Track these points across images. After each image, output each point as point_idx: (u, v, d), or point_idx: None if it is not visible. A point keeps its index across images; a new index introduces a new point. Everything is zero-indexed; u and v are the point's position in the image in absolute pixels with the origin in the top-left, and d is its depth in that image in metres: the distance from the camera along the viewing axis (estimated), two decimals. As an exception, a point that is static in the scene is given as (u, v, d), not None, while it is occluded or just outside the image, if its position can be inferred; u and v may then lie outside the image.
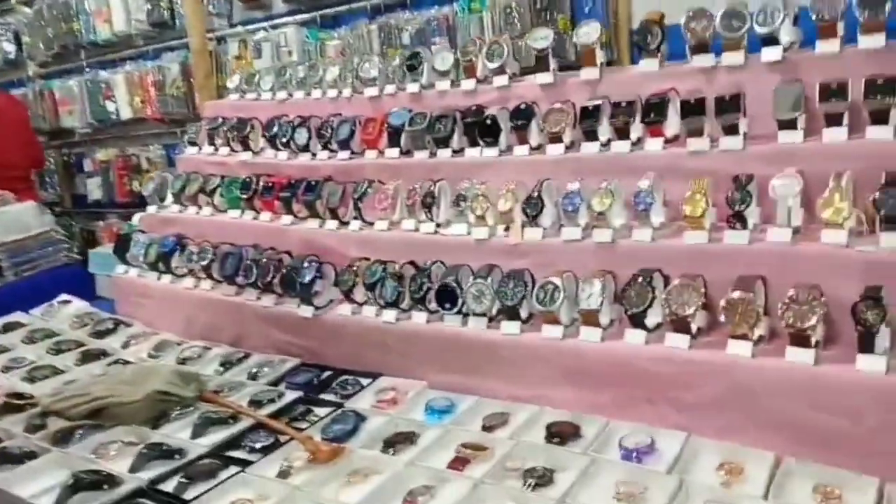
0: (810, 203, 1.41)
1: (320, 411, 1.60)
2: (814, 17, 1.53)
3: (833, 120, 1.44)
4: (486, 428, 1.45)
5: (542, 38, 1.89)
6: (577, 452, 1.30)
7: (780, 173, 1.42)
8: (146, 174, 4.50)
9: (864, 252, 1.31)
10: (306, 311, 1.89)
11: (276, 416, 1.60)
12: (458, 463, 1.31)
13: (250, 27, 3.83)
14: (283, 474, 1.35)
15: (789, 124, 1.49)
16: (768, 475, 1.18)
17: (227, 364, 1.94)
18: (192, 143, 2.60)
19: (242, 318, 2.07)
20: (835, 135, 1.44)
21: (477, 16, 3.12)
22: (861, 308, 1.23)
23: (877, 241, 1.30)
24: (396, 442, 1.41)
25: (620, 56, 2.82)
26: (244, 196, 2.23)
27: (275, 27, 3.72)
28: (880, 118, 1.40)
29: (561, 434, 1.36)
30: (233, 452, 1.47)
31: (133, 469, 1.40)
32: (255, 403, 1.67)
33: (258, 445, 1.46)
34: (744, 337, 1.33)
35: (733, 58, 1.63)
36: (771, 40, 1.58)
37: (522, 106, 1.86)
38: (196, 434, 1.53)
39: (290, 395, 1.70)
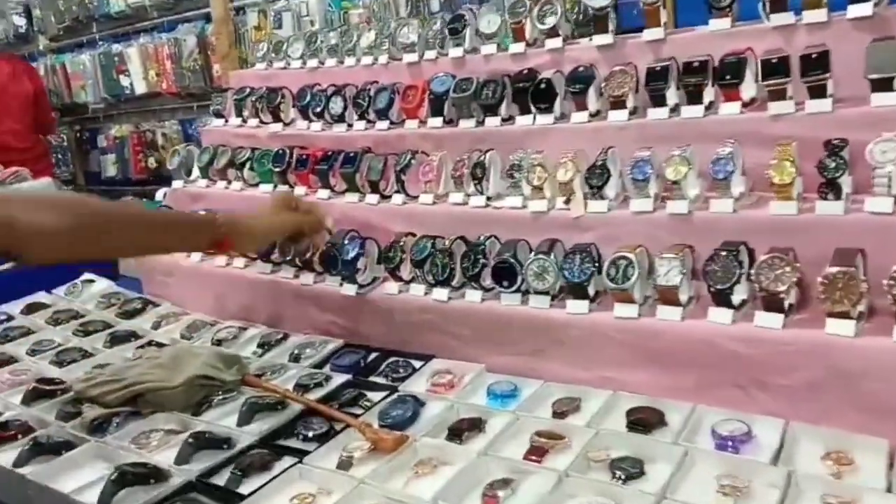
0: (911, 169, 1.29)
1: (373, 396, 1.50)
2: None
3: (936, 78, 1.32)
4: (558, 414, 1.35)
5: (600, -5, 1.76)
6: (666, 442, 1.20)
7: (878, 137, 1.30)
8: (164, 150, 4.40)
9: (980, 222, 1.19)
10: (350, 290, 1.79)
11: (325, 400, 1.50)
12: (536, 453, 1.21)
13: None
14: (344, 465, 1.25)
15: (884, 85, 1.36)
16: (885, 465, 1.08)
17: (265, 345, 1.83)
18: (218, 115, 2.48)
19: (279, 296, 1.96)
20: (939, 95, 1.31)
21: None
22: (983, 283, 1.12)
23: None
24: (463, 429, 1.31)
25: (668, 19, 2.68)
26: (277, 169, 2.12)
27: (295, -4, 3.59)
28: None
29: (644, 421, 1.26)
30: (285, 441, 1.37)
31: (179, 461, 1.30)
32: (302, 387, 1.57)
33: (311, 434, 1.36)
34: (845, 315, 1.21)
35: (815, 15, 1.50)
36: (860, -6, 1.45)
37: (580, 69, 1.73)
38: (243, 421, 1.43)
39: (338, 379, 1.60)
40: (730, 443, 1.18)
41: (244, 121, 2.40)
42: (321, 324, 1.87)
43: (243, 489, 1.22)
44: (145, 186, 4.62)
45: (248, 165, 2.21)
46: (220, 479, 1.26)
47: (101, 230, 1.29)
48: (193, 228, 1.52)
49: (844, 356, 1.20)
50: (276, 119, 2.29)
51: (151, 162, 4.56)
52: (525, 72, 1.83)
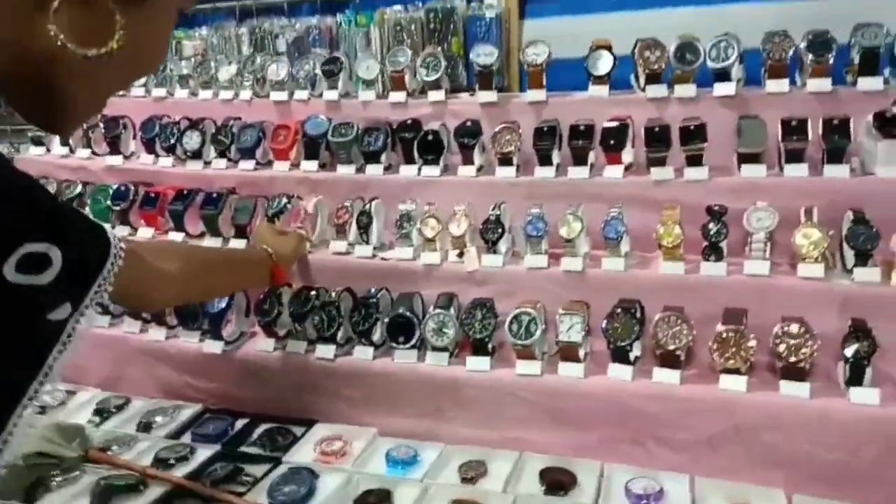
0: (774, 239, 1.43)
1: (253, 469, 1.32)
2: (765, 56, 1.59)
3: (794, 156, 1.48)
4: (467, 480, 1.27)
5: (486, 54, 1.79)
6: (585, 502, 1.17)
7: (754, 206, 1.43)
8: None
9: (841, 286, 1.34)
10: (214, 347, 1.58)
11: (194, 477, 1.30)
12: (459, 525, 1.12)
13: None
14: (239, 557, 1.07)
15: (753, 158, 1.51)
16: (785, 514, 1.15)
17: (103, 412, 1.56)
18: (38, 143, 2.14)
19: (117, 354, 1.69)
20: (796, 171, 1.48)
21: (363, 29, 2.95)
22: (850, 340, 1.25)
23: (850, 276, 1.34)
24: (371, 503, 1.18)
25: (510, 83, 2.81)
26: (117, 207, 1.85)
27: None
28: (836, 157, 1.46)
29: (559, 483, 1.23)
30: (154, 531, 1.15)
31: (16, 566, 1.04)
32: (161, 462, 1.34)
33: (188, 520, 1.16)
34: (737, 371, 1.29)
35: (685, 90, 1.64)
36: (724, 75, 1.61)
37: (468, 123, 1.73)
38: (97, 508, 1.18)
39: (205, 451, 1.40)
40: (644, 501, 1.19)
41: (71, 150, 2.09)
42: (174, 386, 1.64)
43: None
44: None
45: (77, 202, 1.91)
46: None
47: (205, 273, 1.32)
48: (259, 264, 1.46)
49: (738, 411, 1.27)
50: (115, 151, 2.02)
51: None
52: (409, 122, 1.80)
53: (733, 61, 1.59)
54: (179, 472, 1.31)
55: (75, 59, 0.56)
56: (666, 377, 1.33)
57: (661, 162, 1.56)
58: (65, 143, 2.06)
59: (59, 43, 0.55)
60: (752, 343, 1.29)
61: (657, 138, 1.55)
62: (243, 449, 1.42)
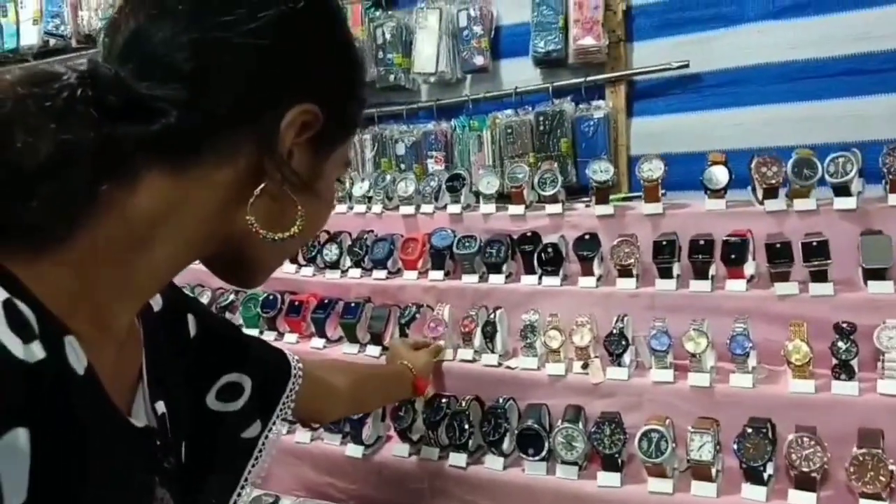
0: (908, 355, 1.42)
1: (397, 575, 1.41)
2: (885, 170, 1.61)
3: (923, 273, 1.48)
4: None
5: (603, 170, 1.90)
6: None
7: (884, 324, 1.43)
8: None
9: None
10: (355, 451, 1.71)
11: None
12: None
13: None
14: None
15: (879, 274, 1.51)
16: None
17: (256, 510, 1.71)
18: (193, 252, 2.40)
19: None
20: (927, 287, 1.48)
21: (476, 133, 3.14)
22: None
23: None
24: None
25: (619, 180, 2.90)
26: (266, 315, 2.05)
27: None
28: (971, 275, 1.45)
29: None
30: None
31: None
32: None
33: None
34: (877, 497, 1.28)
35: (804, 203, 1.67)
36: (843, 189, 1.64)
37: (587, 236, 1.83)
38: None
39: (350, 554, 1.50)
40: None
41: (222, 260, 2.33)
42: (317, 485, 1.77)
43: None
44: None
45: (230, 308, 2.13)
46: None
47: (364, 389, 1.44)
48: (403, 378, 1.58)
49: (882, 538, 1.25)
50: (261, 261, 2.24)
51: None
52: (529, 234, 1.91)
53: (852, 176, 1.62)
54: (329, 575, 1.42)
55: (266, 240, 0.66)
56: (802, 500, 1.33)
57: (785, 277, 1.59)
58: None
59: (253, 230, 0.64)
60: (893, 467, 1.28)
61: (779, 254, 1.59)
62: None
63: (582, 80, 2.80)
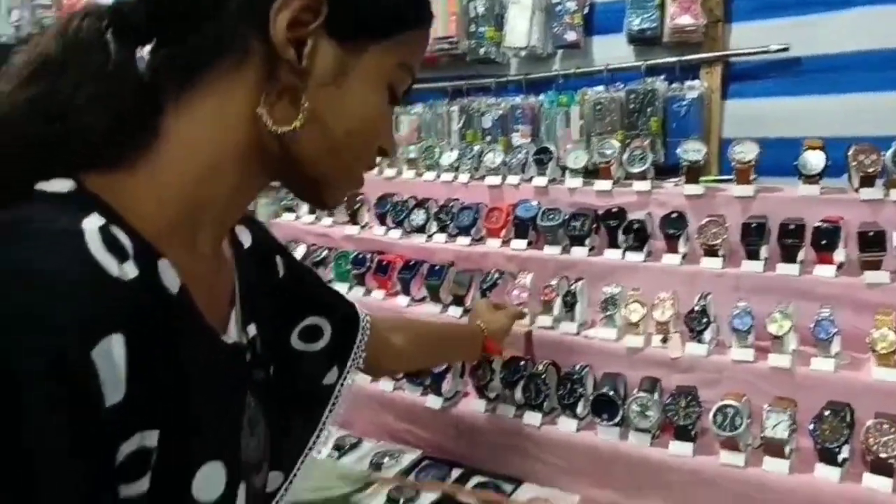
0: None
1: (470, 519, 1.51)
2: None
3: None
4: (667, 558, 1.37)
5: (695, 150, 1.91)
6: None
7: (979, 318, 1.41)
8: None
9: None
10: (434, 403, 1.80)
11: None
12: None
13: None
14: None
15: (978, 269, 1.49)
16: None
17: (341, 448, 1.83)
18: (289, 209, 2.54)
19: (352, 399, 1.95)
20: None
21: (563, 109, 3.15)
22: None
23: None
24: (579, 567, 1.32)
25: (710, 161, 2.86)
26: (356, 271, 2.17)
27: (347, 96, 3.73)
28: None
29: (762, 575, 1.29)
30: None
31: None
32: (393, 501, 1.57)
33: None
34: (955, 487, 1.28)
35: (903, 193, 1.65)
36: (943, 181, 1.60)
37: (675, 214, 1.84)
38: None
39: (428, 496, 1.60)
40: None
41: (317, 218, 2.46)
42: (397, 432, 1.88)
43: None
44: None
45: (323, 263, 2.26)
46: None
47: (424, 348, 1.48)
48: (472, 339, 1.64)
49: (958, 528, 1.26)
50: (353, 222, 2.36)
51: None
52: (614, 210, 1.94)
53: (956, 166, 1.58)
54: (408, 513, 1.52)
55: (282, 135, 0.64)
56: (876, 483, 1.34)
57: (876, 266, 1.58)
58: (329, 213, 2.41)
59: (265, 123, 0.63)
60: (975, 461, 1.27)
61: (872, 243, 1.57)
62: (460, 498, 1.61)
63: (677, 59, 2.78)
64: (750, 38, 2.65)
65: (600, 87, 2.97)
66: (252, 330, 0.79)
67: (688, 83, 2.81)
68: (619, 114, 3.00)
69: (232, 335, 0.72)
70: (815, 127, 2.41)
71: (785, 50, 2.58)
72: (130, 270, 0.53)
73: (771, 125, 2.54)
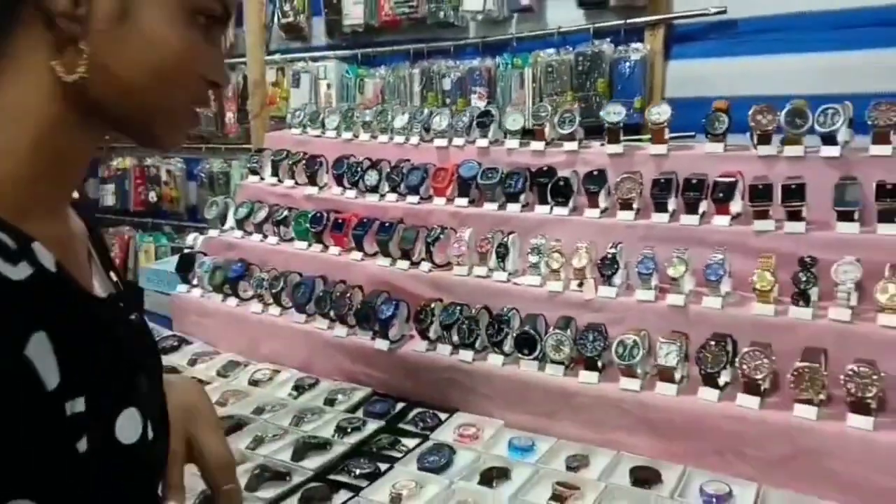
0: (864, 288, 1.62)
1: (407, 442, 1.73)
2: (870, 123, 1.76)
3: (886, 216, 1.65)
4: (571, 468, 1.60)
5: (615, 112, 2.09)
6: (664, 497, 1.46)
7: (842, 259, 1.62)
8: (167, 185, 4.60)
9: (916, 336, 1.51)
10: (382, 345, 2.02)
11: (363, 444, 1.73)
12: (557, 500, 1.45)
13: (288, 56, 3.97)
14: (395, 501, 1.47)
15: (848, 216, 1.69)
16: (837, 526, 1.36)
17: (299, 388, 2.05)
18: (254, 172, 2.72)
19: (311, 344, 2.18)
20: (888, 229, 1.65)
21: (518, 71, 3.31)
22: (916, 385, 1.43)
23: (927, 326, 1.51)
24: (492, 476, 1.55)
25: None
26: (314, 229, 2.36)
27: (315, 59, 3.86)
28: (930, 219, 1.62)
29: (645, 479, 1.52)
30: (336, 477, 1.59)
31: (249, 489, 1.51)
32: (341, 430, 1.79)
33: (359, 472, 1.59)
34: (808, 402, 1.51)
35: (794, 150, 1.84)
36: (830, 139, 1.79)
37: (595, 172, 2.04)
38: (297, 457, 1.65)
39: (372, 424, 1.83)
40: (714, 500, 1.45)
41: (279, 180, 2.64)
42: (351, 372, 2.10)
43: (311, 516, 1.43)
44: (142, 218, 4.80)
45: (284, 222, 2.45)
46: (289, 507, 1.47)
47: None
48: None
49: (808, 436, 1.49)
50: (312, 183, 2.54)
51: (152, 196, 4.73)
52: (545, 168, 2.14)
53: (839, 127, 1.77)
54: (353, 440, 1.75)
55: (84, 87, 0.62)
56: (748, 402, 1.57)
57: (764, 215, 1.78)
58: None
59: (56, 70, 0.61)
60: (825, 379, 1.50)
61: (761, 195, 1.77)
62: (401, 426, 1.83)
63: (622, 22, 2.94)
64: (692, 2, 2.81)
65: (552, 50, 3.14)
66: (114, 276, 0.78)
67: (633, 45, 2.97)
68: (569, 75, 3.17)
69: (99, 290, 0.72)
70: (752, 86, 2.59)
71: (723, 12, 2.75)
72: (24, 269, 0.55)
73: (711, 85, 2.71)
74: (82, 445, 0.57)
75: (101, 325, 0.64)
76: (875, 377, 1.45)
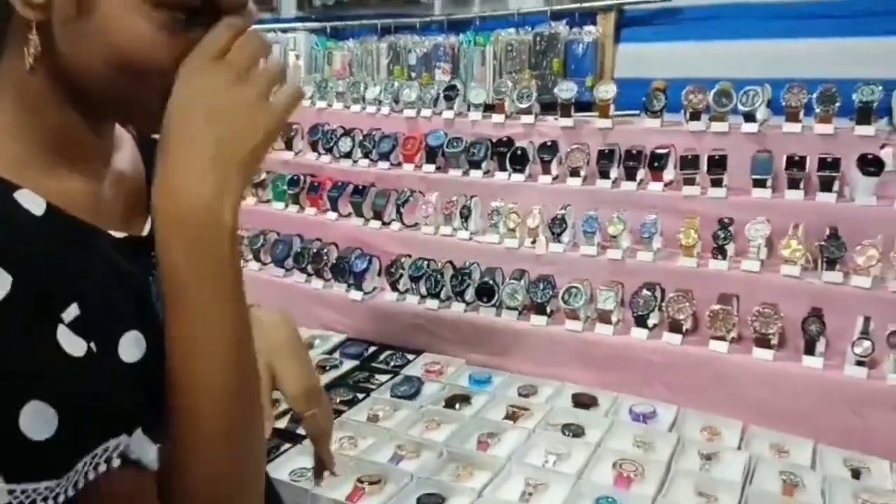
0: (773, 244, 1.91)
1: (380, 377, 1.97)
2: (784, 104, 2.04)
3: (794, 184, 1.94)
4: (522, 395, 1.86)
5: (567, 89, 2.33)
6: (599, 416, 1.73)
7: (754, 220, 1.90)
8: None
9: (810, 283, 1.81)
10: (356, 296, 2.25)
11: (342, 378, 1.96)
12: (511, 417, 1.72)
13: (259, 27, 4.09)
14: (373, 419, 1.72)
15: (761, 183, 1.97)
16: (739, 436, 1.66)
17: (280, 335, 2.26)
18: (232, 138, 2.89)
19: (290, 296, 2.39)
20: (794, 195, 1.94)
21: (480, 49, 3.52)
22: (808, 322, 1.72)
23: (820, 276, 1.80)
24: (455, 401, 1.80)
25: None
26: (291, 192, 2.56)
27: (284, 31, 4.00)
28: (827, 186, 1.90)
29: (584, 402, 1.79)
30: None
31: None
32: (320, 368, 2.02)
33: (339, 400, 1.82)
34: (722, 338, 1.79)
35: (720, 126, 2.11)
36: (750, 117, 2.07)
37: (548, 143, 2.28)
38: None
39: (348, 364, 2.06)
40: (641, 417, 1.73)
41: (257, 146, 2.81)
42: (328, 321, 2.32)
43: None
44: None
45: (264, 185, 2.64)
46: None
47: None
48: None
49: (720, 366, 1.78)
50: (289, 148, 2.73)
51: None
52: (505, 139, 2.37)
53: (758, 106, 2.05)
54: (331, 376, 1.98)
55: (49, 74, 0.63)
56: (672, 339, 1.85)
57: (692, 182, 2.05)
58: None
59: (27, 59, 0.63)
60: (735, 318, 1.79)
61: (689, 164, 2.04)
62: (374, 364, 2.07)
63: (577, 5, 3.17)
64: (644, -13, 3.05)
65: (512, 30, 3.36)
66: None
67: (586, 28, 3.21)
68: (527, 54, 3.40)
69: (146, 229, 0.73)
70: (689, 69, 2.86)
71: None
72: None
73: (654, 67, 2.97)
74: (79, 350, 0.58)
75: (101, 255, 0.65)
76: (776, 317, 1.74)
